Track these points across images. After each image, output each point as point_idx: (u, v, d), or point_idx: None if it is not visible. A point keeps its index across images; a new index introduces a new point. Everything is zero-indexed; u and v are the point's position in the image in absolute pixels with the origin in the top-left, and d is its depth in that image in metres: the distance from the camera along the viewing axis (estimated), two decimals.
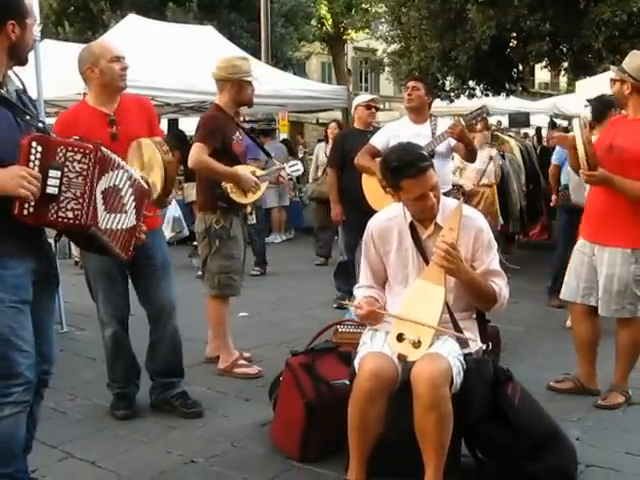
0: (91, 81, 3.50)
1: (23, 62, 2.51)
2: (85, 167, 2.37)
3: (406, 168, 2.84)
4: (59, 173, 2.32)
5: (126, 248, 2.62)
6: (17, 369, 2.42)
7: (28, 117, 2.43)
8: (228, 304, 4.49)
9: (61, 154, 2.33)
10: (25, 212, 2.30)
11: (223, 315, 4.44)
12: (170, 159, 3.33)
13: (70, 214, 2.36)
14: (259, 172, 4.45)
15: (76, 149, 2.36)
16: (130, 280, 3.71)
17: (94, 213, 2.42)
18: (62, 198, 2.34)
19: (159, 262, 3.65)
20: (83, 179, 2.37)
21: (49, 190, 2.31)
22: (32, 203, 2.29)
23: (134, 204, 2.60)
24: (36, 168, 2.29)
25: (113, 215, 2.52)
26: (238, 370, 4.35)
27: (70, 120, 3.53)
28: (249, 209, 4.49)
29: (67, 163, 2.34)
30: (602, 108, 5.16)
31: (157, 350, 3.76)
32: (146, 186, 2.75)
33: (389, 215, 3.07)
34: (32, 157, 2.29)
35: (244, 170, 4.31)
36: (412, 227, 3.00)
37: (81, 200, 2.37)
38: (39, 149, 2.30)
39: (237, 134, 4.36)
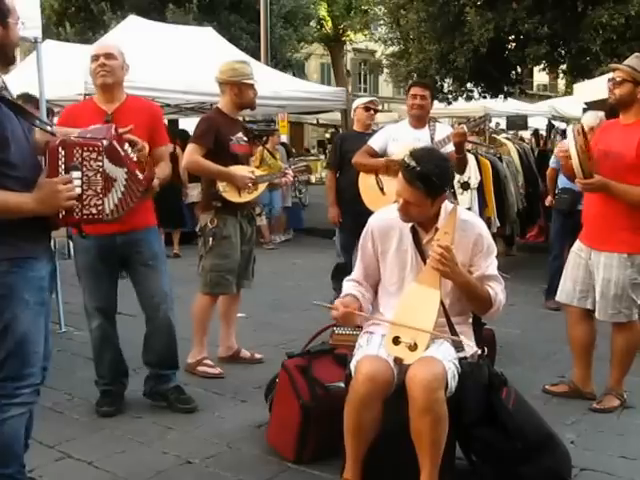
0: None
1: (11, 61, 2.53)
2: (100, 164, 2.43)
3: (405, 166, 2.86)
4: (80, 174, 2.39)
5: (138, 187, 2.63)
6: (28, 370, 2.44)
7: (38, 121, 2.46)
8: (215, 304, 4.48)
9: (77, 154, 2.39)
10: (60, 215, 2.37)
11: (207, 313, 4.46)
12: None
13: (94, 210, 2.44)
14: (259, 172, 4.50)
15: (91, 148, 2.42)
16: (129, 277, 3.80)
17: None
18: (84, 196, 2.40)
19: (147, 256, 3.72)
20: (101, 175, 2.43)
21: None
22: None
23: (116, 167, 2.58)
24: (62, 172, 2.35)
25: (109, 194, 2.54)
26: (200, 368, 4.37)
27: (75, 112, 3.77)
28: (257, 210, 4.54)
29: (85, 163, 2.40)
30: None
31: (150, 341, 3.82)
32: (113, 132, 2.70)
33: (392, 215, 3.03)
34: (60, 162, 2.35)
35: (241, 170, 4.34)
36: (413, 229, 3.02)
37: (102, 195, 2.44)
38: (63, 153, 2.36)
39: (239, 135, 4.41)
